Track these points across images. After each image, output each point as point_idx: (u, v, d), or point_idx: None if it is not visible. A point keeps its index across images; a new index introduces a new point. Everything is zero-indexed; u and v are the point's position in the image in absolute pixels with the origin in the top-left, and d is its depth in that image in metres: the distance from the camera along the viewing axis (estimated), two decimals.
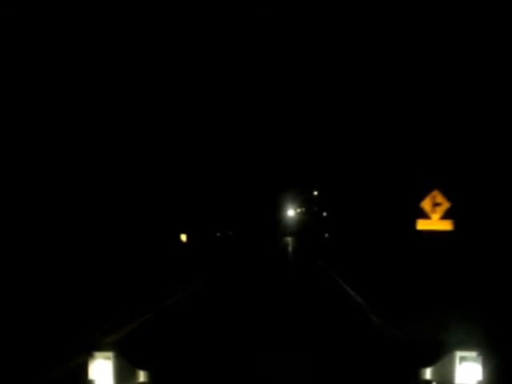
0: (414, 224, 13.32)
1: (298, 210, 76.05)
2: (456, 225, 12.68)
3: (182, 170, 28.93)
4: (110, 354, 1.97)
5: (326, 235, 49.37)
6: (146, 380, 2.03)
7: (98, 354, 1.97)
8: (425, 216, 12.95)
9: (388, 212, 23.60)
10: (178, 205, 28.74)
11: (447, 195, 12.93)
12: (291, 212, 74.65)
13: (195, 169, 31.76)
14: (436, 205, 12.72)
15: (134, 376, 2.03)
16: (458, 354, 2.00)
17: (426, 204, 12.94)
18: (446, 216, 12.73)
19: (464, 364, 2.00)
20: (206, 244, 32.50)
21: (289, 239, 64.24)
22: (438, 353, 2.06)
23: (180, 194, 29.13)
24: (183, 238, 26.33)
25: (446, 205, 12.76)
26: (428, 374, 2.06)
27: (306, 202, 70.83)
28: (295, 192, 68.53)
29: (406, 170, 21.33)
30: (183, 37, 24.08)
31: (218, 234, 43.24)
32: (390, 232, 22.84)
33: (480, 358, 2.01)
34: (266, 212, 60.98)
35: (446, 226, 12.73)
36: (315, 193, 64.37)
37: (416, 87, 18.80)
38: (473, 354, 2.01)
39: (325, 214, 56.67)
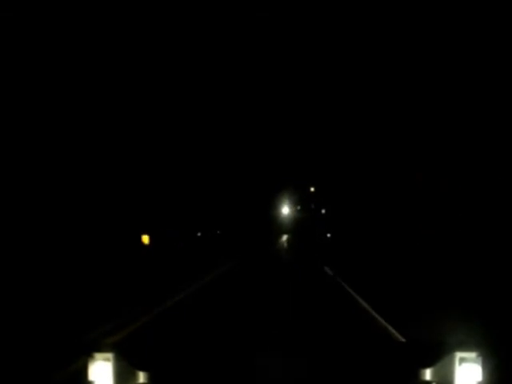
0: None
1: (294, 209, 70.71)
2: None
3: (148, 160, 23.82)
4: (110, 356, 1.97)
5: (328, 235, 44.50)
6: (145, 381, 2.04)
7: (97, 356, 1.97)
8: None
9: (392, 207, 23.46)
10: (138, 199, 22.46)
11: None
12: (286, 210, 68.51)
13: (169, 160, 26.56)
14: None
15: (134, 377, 2.03)
16: (458, 354, 2.00)
17: None
18: None
19: (464, 365, 2.00)
20: (179, 246, 25.26)
21: (284, 241, 56.49)
22: (438, 353, 2.05)
23: (143, 185, 23.16)
24: (145, 239, 20.87)
25: None
26: (428, 374, 2.06)
27: (302, 199, 66.64)
28: (291, 189, 64.22)
29: (404, 162, 21.32)
30: (183, 37, 24.09)
31: (199, 234, 35.73)
32: (396, 230, 22.63)
33: (480, 358, 2.01)
34: (259, 209, 56.27)
35: None
36: (312, 189, 61.22)
37: (412, 82, 18.80)
38: (472, 354, 2.01)
39: (323, 211, 54.07)
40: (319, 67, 29.94)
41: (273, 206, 64.25)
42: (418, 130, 19.31)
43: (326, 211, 53.07)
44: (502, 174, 15.11)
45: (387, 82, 20.92)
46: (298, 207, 69.98)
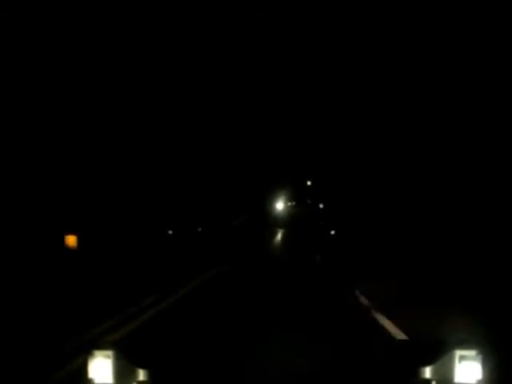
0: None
1: (289, 204, 64.89)
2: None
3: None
4: (110, 353, 1.97)
5: (332, 232, 38.47)
6: (145, 379, 2.04)
7: (97, 353, 1.98)
8: None
9: (392, 207, 23.33)
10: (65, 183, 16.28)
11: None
12: (281, 205, 61.77)
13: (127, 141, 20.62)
14: None
15: (134, 375, 2.03)
16: (458, 352, 2.01)
17: None
18: None
19: (464, 363, 2.01)
20: (129, 249, 17.09)
21: (279, 240, 44.50)
22: (438, 351, 2.06)
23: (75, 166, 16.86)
24: (71, 241, 14.84)
25: None
26: (428, 372, 2.07)
27: (297, 194, 62.00)
28: (285, 183, 58.51)
29: (404, 162, 21.28)
30: (183, 37, 24.11)
31: (171, 232, 27.68)
32: (395, 230, 22.37)
33: (480, 356, 2.02)
34: (250, 203, 50.07)
35: None
36: (309, 183, 57.67)
37: (412, 82, 18.82)
38: (472, 352, 2.01)
39: (321, 205, 50.82)
40: (317, 62, 30.00)
41: (266, 200, 58.44)
42: (418, 129, 19.32)
43: (324, 206, 49.72)
44: (502, 173, 15.12)
45: (387, 80, 20.94)
46: (294, 202, 64.83)
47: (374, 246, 21.96)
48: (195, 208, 30.63)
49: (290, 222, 56.27)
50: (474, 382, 2.02)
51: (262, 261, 21.47)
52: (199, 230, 32.06)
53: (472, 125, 16.12)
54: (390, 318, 8.08)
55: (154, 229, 22.75)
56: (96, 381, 1.97)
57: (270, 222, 56.73)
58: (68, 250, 14.44)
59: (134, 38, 20.11)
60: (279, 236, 46.89)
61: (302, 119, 43.02)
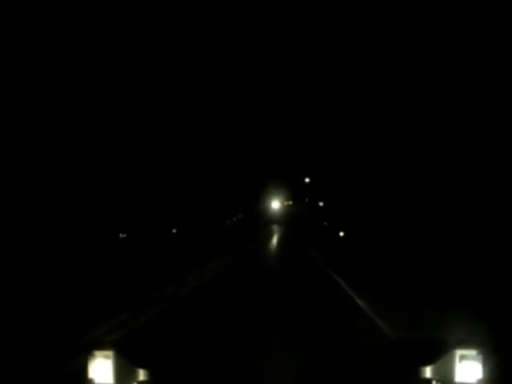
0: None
1: (286, 203, 61.12)
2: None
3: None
4: (110, 353, 1.97)
5: (341, 234, 34.18)
6: (145, 379, 2.04)
7: (98, 353, 1.97)
8: None
9: (392, 207, 23.28)
10: None
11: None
12: (277, 204, 57.86)
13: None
14: None
15: (134, 375, 2.03)
16: (458, 352, 2.01)
17: None
18: None
19: (464, 362, 2.01)
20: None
21: (275, 245, 33.89)
22: (439, 351, 2.06)
23: None
24: None
25: None
26: (428, 372, 2.07)
27: (295, 192, 58.45)
28: (281, 180, 54.55)
29: (404, 162, 21.23)
30: (183, 36, 24.11)
31: (124, 235, 21.61)
32: (395, 230, 22.28)
33: (480, 356, 2.02)
34: (241, 201, 44.87)
35: None
36: (307, 180, 54.45)
37: (412, 81, 18.81)
38: (473, 352, 2.01)
39: (321, 204, 48.44)
40: (317, 61, 30.02)
41: (262, 199, 53.97)
42: (418, 129, 19.31)
43: (324, 205, 47.28)
44: (502, 173, 15.11)
45: (387, 80, 20.93)
46: (291, 201, 61.52)
47: (382, 249, 20.47)
48: (168, 205, 24.56)
49: (288, 221, 52.91)
50: (475, 381, 2.02)
51: (258, 263, 19.19)
52: (174, 231, 26.17)
53: (472, 125, 16.11)
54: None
55: (99, 231, 18.50)
56: (96, 381, 1.97)
57: (267, 220, 53.26)
58: None
59: (134, 38, 20.11)
60: (277, 236, 43.36)
61: (299, 116, 42.71)
